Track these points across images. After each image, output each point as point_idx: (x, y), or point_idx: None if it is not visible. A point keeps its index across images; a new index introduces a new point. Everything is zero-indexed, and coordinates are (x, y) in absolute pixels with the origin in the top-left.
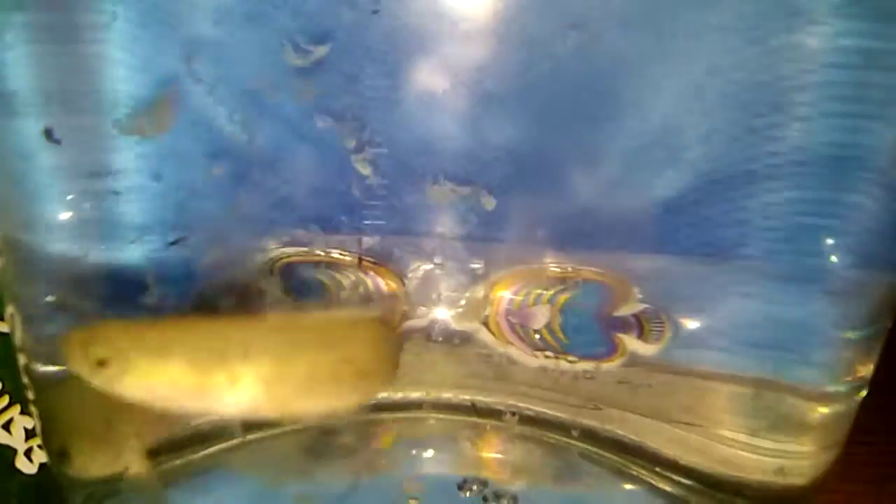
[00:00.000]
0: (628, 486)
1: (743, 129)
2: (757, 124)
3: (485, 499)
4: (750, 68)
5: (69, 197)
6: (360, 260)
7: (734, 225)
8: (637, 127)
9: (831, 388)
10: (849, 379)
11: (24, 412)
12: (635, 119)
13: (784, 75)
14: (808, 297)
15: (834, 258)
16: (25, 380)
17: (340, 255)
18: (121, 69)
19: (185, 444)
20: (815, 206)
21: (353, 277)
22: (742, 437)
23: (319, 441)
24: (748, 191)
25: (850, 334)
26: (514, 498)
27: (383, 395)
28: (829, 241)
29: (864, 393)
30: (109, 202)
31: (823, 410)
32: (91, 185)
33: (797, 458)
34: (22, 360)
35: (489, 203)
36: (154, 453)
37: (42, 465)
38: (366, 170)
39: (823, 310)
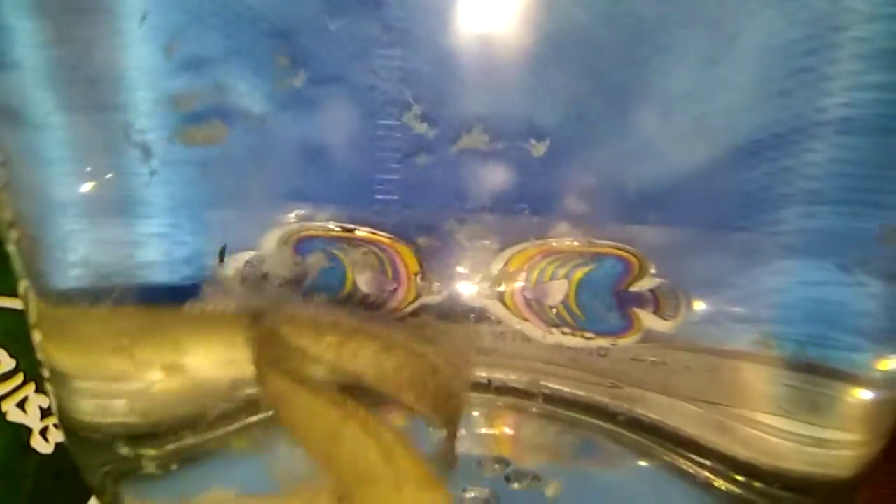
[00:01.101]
0: (648, 465)
1: (767, 95)
2: (783, 88)
3: (507, 478)
4: (773, 31)
5: (87, 170)
6: (351, 230)
7: (757, 197)
8: (657, 96)
9: (867, 372)
10: (889, 363)
11: (38, 390)
12: (655, 88)
13: (812, 35)
14: (840, 272)
15: (871, 230)
16: (41, 357)
17: (355, 228)
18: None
19: (202, 423)
20: (846, 174)
21: (368, 252)
22: (763, 419)
23: None
24: (773, 160)
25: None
26: (537, 477)
27: None
28: (866, 213)
29: None
30: (128, 176)
31: (858, 396)
32: (109, 159)
33: (823, 445)
34: (37, 336)
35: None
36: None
37: (58, 445)
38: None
39: (854, 292)
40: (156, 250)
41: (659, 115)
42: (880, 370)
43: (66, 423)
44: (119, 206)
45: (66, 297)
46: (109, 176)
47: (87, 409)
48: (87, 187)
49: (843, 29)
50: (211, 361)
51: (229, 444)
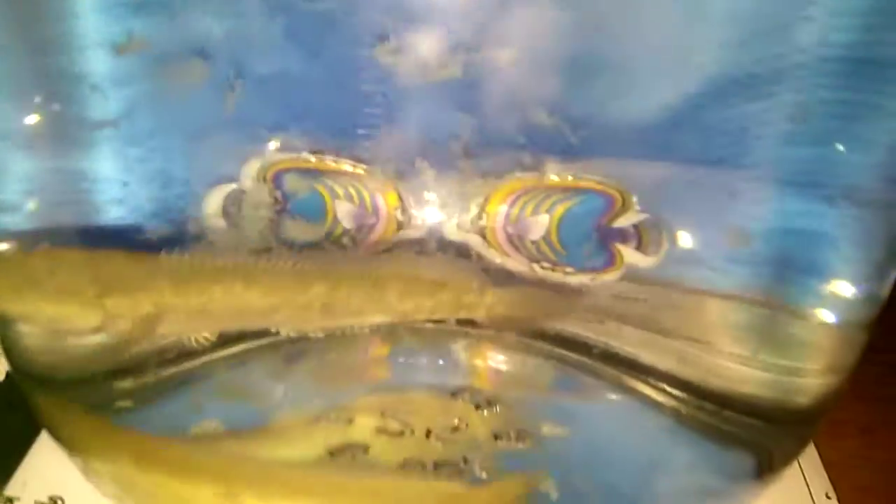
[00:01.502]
0: (621, 397)
1: (752, 32)
2: (767, 26)
3: (477, 406)
4: None
5: (36, 100)
6: (330, 162)
7: (740, 132)
8: (642, 29)
9: (841, 308)
10: (861, 299)
11: None
12: (640, 21)
13: None
14: (817, 210)
15: (852, 170)
16: None
17: (335, 162)
18: None
19: (177, 355)
20: (826, 112)
21: (348, 186)
22: (738, 351)
23: (314, 349)
24: (756, 95)
25: (866, 253)
26: (507, 405)
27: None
28: (848, 151)
29: (875, 313)
30: (81, 102)
31: (831, 330)
32: (60, 86)
33: (794, 374)
34: None
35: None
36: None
37: (9, 374)
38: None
39: (839, 225)
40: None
41: (645, 48)
42: (850, 304)
43: (15, 365)
44: (71, 132)
45: (10, 235)
46: (56, 108)
47: (38, 348)
48: (32, 119)
49: None
50: (187, 314)
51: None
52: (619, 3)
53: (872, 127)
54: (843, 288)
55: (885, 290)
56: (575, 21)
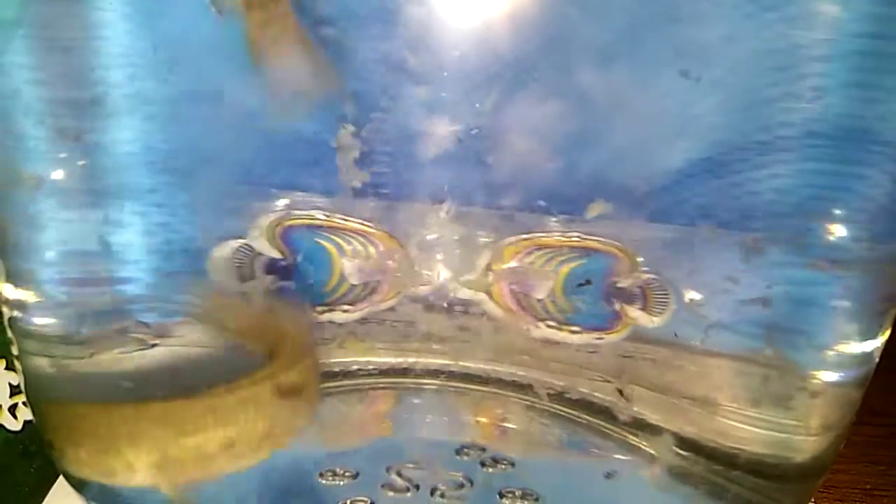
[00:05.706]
0: (628, 457)
1: (756, 100)
2: (771, 94)
3: (483, 463)
4: (765, 36)
5: (61, 156)
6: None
7: (744, 196)
8: (647, 94)
9: (834, 367)
10: (854, 357)
11: (8, 367)
12: (646, 85)
13: (800, 44)
14: (816, 272)
15: (844, 233)
16: (10, 334)
17: (343, 219)
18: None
19: None
20: (827, 178)
21: (355, 243)
22: (743, 411)
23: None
24: (759, 162)
25: (858, 312)
26: (513, 463)
27: (386, 359)
28: (840, 216)
29: (870, 373)
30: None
31: (826, 388)
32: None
33: (798, 433)
34: (6, 312)
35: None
36: None
37: (27, 422)
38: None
39: (831, 286)
40: (138, 237)
41: (650, 113)
42: (845, 364)
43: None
44: (96, 192)
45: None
46: (82, 163)
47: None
48: (59, 174)
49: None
50: None
51: None
52: (621, 64)
53: (860, 193)
54: (838, 347)
55: (878, 349)
56: (575, 81)
